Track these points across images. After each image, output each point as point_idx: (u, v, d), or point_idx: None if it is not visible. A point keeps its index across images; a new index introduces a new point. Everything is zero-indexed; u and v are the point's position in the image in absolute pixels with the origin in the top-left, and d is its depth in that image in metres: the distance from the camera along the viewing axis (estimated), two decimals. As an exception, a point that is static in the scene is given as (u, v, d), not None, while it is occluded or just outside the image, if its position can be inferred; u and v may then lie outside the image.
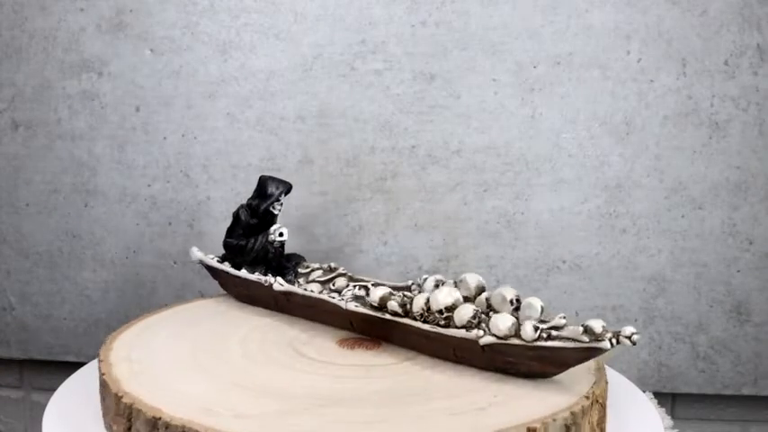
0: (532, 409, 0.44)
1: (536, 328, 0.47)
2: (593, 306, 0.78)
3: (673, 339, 0.78)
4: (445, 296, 0.51)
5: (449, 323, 0.50)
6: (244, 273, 0.63)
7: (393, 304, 0.53)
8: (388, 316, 0.53)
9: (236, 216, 0.64)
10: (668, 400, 0.81)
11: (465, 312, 0.50)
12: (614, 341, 0.44)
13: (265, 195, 0.65)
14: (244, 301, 0.65)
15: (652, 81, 0.74)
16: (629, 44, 0.74)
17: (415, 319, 0.52)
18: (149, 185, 0.79)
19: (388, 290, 0.54)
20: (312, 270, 0.66)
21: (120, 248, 0.80)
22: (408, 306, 0.52)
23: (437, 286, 0.55)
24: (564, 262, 0.77)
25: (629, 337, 0.44)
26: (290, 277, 0.64)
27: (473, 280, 0.54)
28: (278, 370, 0.51)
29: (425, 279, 0.58)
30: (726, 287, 0.77)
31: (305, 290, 0.59)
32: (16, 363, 0.86)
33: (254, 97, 0.77)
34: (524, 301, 0.50)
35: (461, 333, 0.49)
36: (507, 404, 0.45)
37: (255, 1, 0.76)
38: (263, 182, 0.65)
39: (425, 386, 0.48)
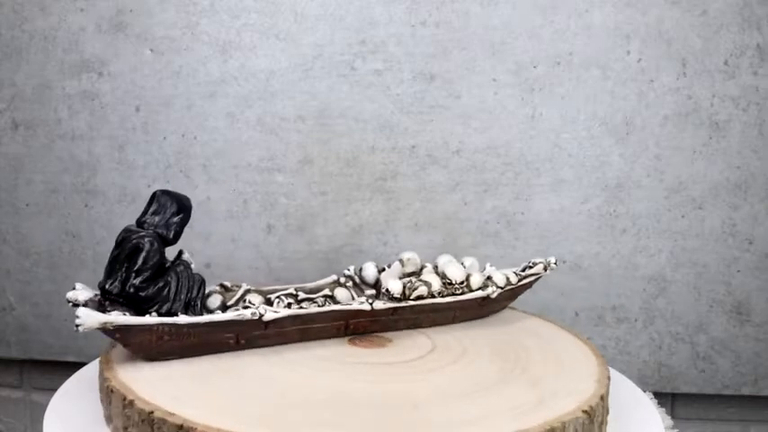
0: (558, 406, 0.45)
1: (506, 276, 0.61)
2: (594, 306, 0.78)
3: (673, 339, 0.78)
4: (459, 270, 0.59)
5: (463, 291, 0.59)
6: (210, 317, 0.50)
7: (423, 289, 0.57)
8: (408, 303, 0.57)
9: (144, 250, 0.50)
10: (668, 400, 0.81)
11: (476, 279, 0.59)
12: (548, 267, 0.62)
13: (172, 214, 0.52)
14: (168, 357, 0.51)
15: (652, 81, 0.74)
16: (629, 44, 0.74)
17: (433, 296, 0.58)
18: (149, 185, 0.79)
19: (400, 281, 0.57)
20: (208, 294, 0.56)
21: (120, 248, 0.80)
22: (426, 289, 0.57)
23: (383, 270, 0.59)
24: (564, 262, 0.77)
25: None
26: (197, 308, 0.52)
27: (415, 257, 0.61)
28: (285, 367, 0.51)
29: (362, 268, 0.60)
30: (726, 287, 0.77)
31: (300, 308, 0.55)
32: (16, 363, 0.86)
33: (254, 97, 0.77)
34: (464, 260, 0.62)
35: (479, 294, 0.59)
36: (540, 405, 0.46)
37: (255, 1, 0.76)
38: (164, 199, 0.53)
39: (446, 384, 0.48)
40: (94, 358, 0.59)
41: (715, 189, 0.75)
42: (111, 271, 0.50)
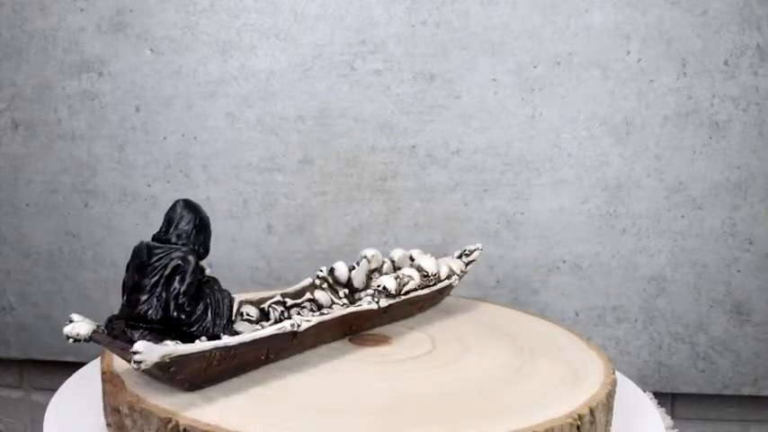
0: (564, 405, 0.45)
1: (455, 264, 0.65)
2: (594, 306, 0.78)
3: (673, 339, 0.78)
4: (433, 263, 0.61)
5: (434, 282, 0.61)
6: (254, 335, 0.47)
7: (412, 284, 0.58)
8: (401, 298, 0.58)
9: (188, 270, 0.45)
10: (668, 400, 0.81)
11: (445, 269, 0.62)
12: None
13: (197, 227, 0.48)
14: (212, 383, 0.46)
15: (652, 81, 0.74)
16: (629, 44, 0.74)
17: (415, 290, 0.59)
18: (149, 185, 0.79)
19: (392, 277, 0.58)
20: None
21: (120, 248, 0.80)
22: (414, 283, 0.59)
23: (353, 268, 0.59)
24: (564, 262, 0.77)
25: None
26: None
27: (377, 253, 0.62)
28: (287, 368, 0.51)
29: (334, 268, 0.59)
30: (726, 287, 0.77)
31: (322, 314, 0.53)
32: (16, 363, 0.86)
33: (254, 97, 0.77)
34: (393, 253, 0.63)
35: (450, 281, 0.62)
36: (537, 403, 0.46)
37: (255, 1, 0.76)
38: (186, 211, 0.48)
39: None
40: (94, 358, 0.59)
41: (715, 189, 0.75)
42: (146, 295, 0.44)
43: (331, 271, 0.59)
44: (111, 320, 0.46)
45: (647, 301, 0.77)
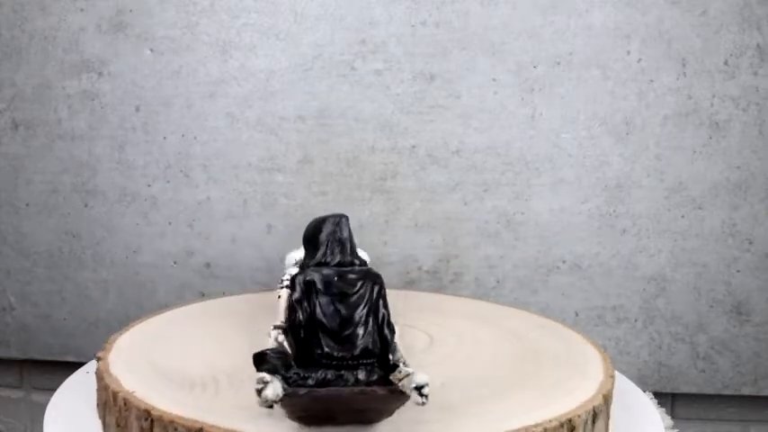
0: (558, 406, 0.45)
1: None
2: (593, 306, 0.78)
3: (673, 339, 0.78)
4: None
5: None
6: None
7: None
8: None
9: (385, 294, 0.42)
10: (668, 400, 0.81)
11: None
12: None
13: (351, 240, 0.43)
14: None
15: (652, 81, 0.74)
16: (629, 44, 0.74)
17: None
18: (149, 185, 0.79)
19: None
20: None
21: (120, 248, 0.80)
22: None
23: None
24: (564, 262, 0.77)
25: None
26: None
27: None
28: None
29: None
30: (726, 287, 0.77)
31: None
32: (16, 363, 0.86)
33: (254, 97, 0.77)
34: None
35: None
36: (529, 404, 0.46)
37: (255, 1, 0.76)
38: (340, 227, 0.44)
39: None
40: (94, 358, 0.59)
41: (715, 189, 0.75)
42: (362, 327, 0.39)
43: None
44: (283, 368, 0.39)
45: (647, 301, 0.77)
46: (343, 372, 0.38)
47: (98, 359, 0.48)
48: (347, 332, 0.39)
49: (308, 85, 0.77)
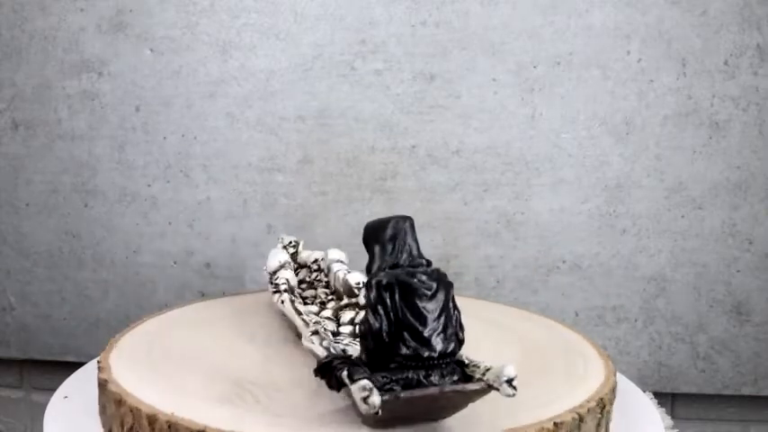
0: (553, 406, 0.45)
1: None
2: (593, 306, 0.78)
3: (673, 339, 0.78)
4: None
5: None
6: None
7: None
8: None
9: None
10: (668, 400, 0.81)
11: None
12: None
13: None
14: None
15: (652, 81, 0.74)
16: (629, 44, 0.74)
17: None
18: (149, 185, 0.79)
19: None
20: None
21: (120, 248, 0.80)
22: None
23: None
24: (564, 262, 0.77)
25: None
26: None
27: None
28: (290, 367, 0.51)
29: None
30: (726, 287, 0.77)
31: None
32: (16, 363, 0.86)
33: (254, 97, 0.77)
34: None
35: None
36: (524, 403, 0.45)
37: (255, 1, 0.76)
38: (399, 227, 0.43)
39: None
40: (94, 358, 0.59)
41: (715, 189, 0.75)
42: (441, 330, 0.39)
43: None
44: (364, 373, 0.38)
45: (647, 301, 0.77)
46: (429, 372, 0.39)
47: (100, 368, 0.48)
48: (429, 332, 0.39)
49: (308, 85, 0.77)
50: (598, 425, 0.46)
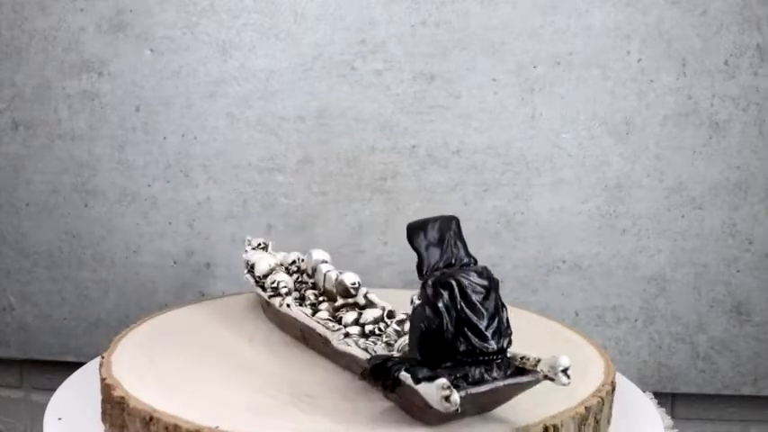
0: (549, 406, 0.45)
1: None
2: (593, 306, 0.78)
3: (673, 339, 0.78)
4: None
5: None
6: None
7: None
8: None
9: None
10: (668, 400, 0.81)
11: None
12: None
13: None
14: None
15: (652, 81, 0.74)
16: (629, 44, 0.74)
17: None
18: (149, 185, 0.79)
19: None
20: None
21: (120, 248, 0.80)
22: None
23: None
24: (564, 262, 0.77)
25: None
26: None
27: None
28: (289, 368, 0.51)
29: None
30: (726, 287, 0.77)
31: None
32: (16, 363, 0.86)
33: (254, 97, 0.77)
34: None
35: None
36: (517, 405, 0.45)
37: (255, 1, 0.76)
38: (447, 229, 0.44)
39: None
40: (94, 358, 0.59)
41: (715, 189, 0.75)
42: (496, 324, 0.41)
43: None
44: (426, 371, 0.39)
45: (647, 301, 0.77)
46: (488, 367, 0.40)
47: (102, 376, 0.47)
48: (488, 329, 0.40)
49: (308, 85, 0.77)
50: (598, 425, 0.46)
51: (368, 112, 0.77)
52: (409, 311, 0.50)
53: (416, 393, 0.39)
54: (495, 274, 0.79)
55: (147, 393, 0.45)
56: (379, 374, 0.41)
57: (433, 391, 0.38)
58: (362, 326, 0.50)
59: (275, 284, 0.56)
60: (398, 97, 0.76)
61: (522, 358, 0.41)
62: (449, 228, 0.44)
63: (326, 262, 0.58)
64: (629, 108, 0.75)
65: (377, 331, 0.49)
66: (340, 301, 0.54)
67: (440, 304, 0.40)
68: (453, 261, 0.43)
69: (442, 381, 0.37)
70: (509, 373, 0.41)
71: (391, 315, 0.51)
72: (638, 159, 0.75)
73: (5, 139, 0.80)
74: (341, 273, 0.55)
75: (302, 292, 0.57)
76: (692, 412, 0.81)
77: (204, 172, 0.78)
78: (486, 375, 0.40)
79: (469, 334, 0.40)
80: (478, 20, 0.75)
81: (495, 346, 0.40)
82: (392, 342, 0.48)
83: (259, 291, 0.59)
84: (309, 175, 0.78)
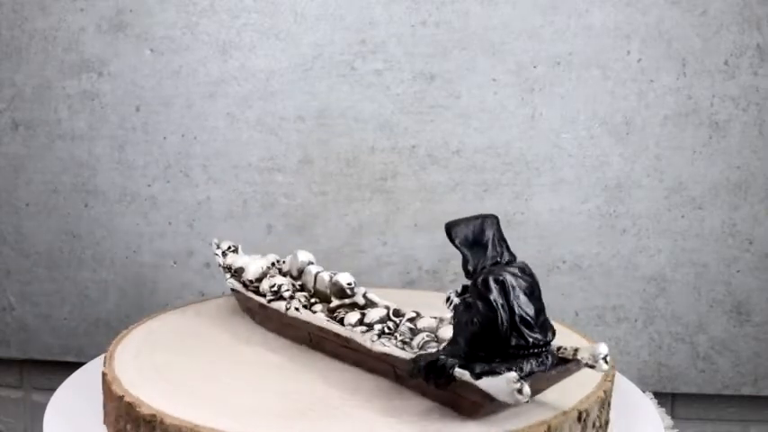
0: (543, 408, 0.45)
1: None
2: (593, 306, 0.78)
3: (673, 339, 0.78)
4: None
5: None
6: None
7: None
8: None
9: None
10: (668, 400, 0.81)
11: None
12: None
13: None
14: None
15: (652, 81, 0.74)
16: (629, 44, 0.74)
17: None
18: (149, 185, 0.79)
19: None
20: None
21: (120, 248, 0.80)
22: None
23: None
24: (564, 262, 0.77)
25: None
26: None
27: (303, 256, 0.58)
28: (288, 368, 0.50)
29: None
30: (726, 287, 0.77)
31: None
32: (16, 363, 0.86)
33: (254, 97, 0.77)
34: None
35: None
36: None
37: (255, 1, 0.76)
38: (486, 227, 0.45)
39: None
40: (94, 358, 0.59)
41: (715, 189, 0.75)
42: (544, 317, 0.42)
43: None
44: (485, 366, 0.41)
45: (647, 301, 0.77)
46: (540, 358, 0.42)
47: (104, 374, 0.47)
48: (540, 322, 0.42)
49: (308, 85, 0.77)
50: (598, 425, 0.46)
51: (368, 112, 0.77)
52: (410, 310, 0.50)
53: (474, 388, 0.40)
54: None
55: (148, 393, 0.45)
56: (432, 371, 0.42)
57: (503, 384, 0.39)
58: (368, 326, 0.50)
59: (275, 288, 0.55)
60: (398, 97, 0.76)
61: (559, 349, 0.43)
62: (491, 226, 0.45)
63: (313, 263, 0.57)
64: (629, 108, 0.75)
65: (386, 330, 0.49)
66: (336, 302, 0.53)
67: (494, 300, 0.41)
68: (499, 259, 0.45)
69: (513, 374, 0.39)
70: (554, 363, 0.43)
71: (398, 313, 0.51)
72: (638, 159, 0.76)
73: (5, 139, 0.80)
74: (334, 273, 0.55)
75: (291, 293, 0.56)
76: (692, 412, 0.81)
77: (204, 172, 0.78)
78: (536, 367, 0.42)
79: (522, 328, 0.41)
80: (478, 20, 0.75)
81: (544, 339, 0.42)
82: (407, 340, 0.48)
83: (251, 295, 0.57)
84: (309, 175, 0.78)
